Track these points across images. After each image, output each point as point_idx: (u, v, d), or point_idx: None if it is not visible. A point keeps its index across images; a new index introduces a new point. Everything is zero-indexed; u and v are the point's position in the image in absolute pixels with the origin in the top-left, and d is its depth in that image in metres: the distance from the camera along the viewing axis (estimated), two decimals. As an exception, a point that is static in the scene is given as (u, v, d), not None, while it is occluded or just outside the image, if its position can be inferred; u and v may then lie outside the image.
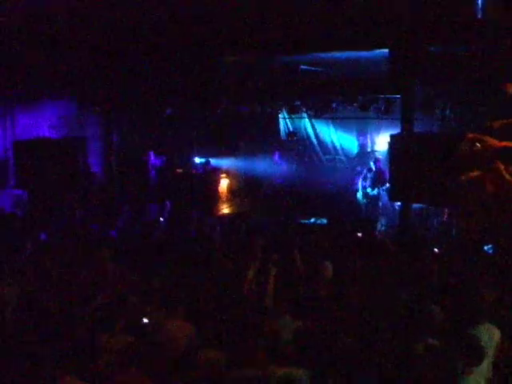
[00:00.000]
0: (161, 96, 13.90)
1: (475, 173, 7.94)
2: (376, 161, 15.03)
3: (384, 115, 13.23)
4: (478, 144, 7.24)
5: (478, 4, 8.48)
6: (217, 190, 17.48)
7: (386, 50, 10.71)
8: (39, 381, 4.61)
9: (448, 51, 9.90)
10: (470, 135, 7.85)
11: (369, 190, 14.87)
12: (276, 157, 17.06)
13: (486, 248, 9.08)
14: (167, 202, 11.22)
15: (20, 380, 4.67)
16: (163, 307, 6.30)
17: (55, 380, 4.59)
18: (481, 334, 5.37)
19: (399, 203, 12.83)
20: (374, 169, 14.90)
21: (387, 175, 13.03)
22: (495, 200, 8.25)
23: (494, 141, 7.46)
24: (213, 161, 17.48)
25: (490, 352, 5.32)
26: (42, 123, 14.63)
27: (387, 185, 13.42)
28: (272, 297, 6.41)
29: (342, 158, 17.62)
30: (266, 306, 6.25)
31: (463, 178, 8.12)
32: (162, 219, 11.11)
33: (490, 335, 5.49)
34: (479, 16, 8.55)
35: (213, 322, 5.92)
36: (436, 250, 9.22)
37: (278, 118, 17.33)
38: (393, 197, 12.35)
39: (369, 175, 14.95)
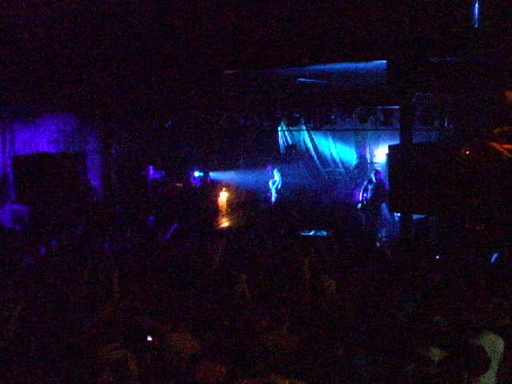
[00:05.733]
0: (160, 109, 13.93)
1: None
2: (376, 172, 15.04)
3: (383, 126, 13.25)
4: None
5: (474, 14, 8.52)
6: (216, 203, 17.50)
7: (385, 62, 10.74)
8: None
9: (446, 61, 9.93)
10: (476, 139, 7.88)
11: (369, 201, 14.86)
12: (269, 169, 17.06)
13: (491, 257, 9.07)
14: (175, 224, 11.16)
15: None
16: (166, 321, 6.27)
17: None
18: (484, 343, 5.34)
19: (399, 214, 12.81)
20: (374, 180, 14.90)
21: (387, 187, 13.02)
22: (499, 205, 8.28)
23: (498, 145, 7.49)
24: (212, 174, 17.50)
25: (494, 361, 5.29)
26: (41, 138, 14.65)
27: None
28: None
29: (342, 170, 17.64)
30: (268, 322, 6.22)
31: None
32: (166, 237, 11.05)
33: (493, 345, 5.46)
34: (476, 26, 8.59)
35: (214, 335, 5.89)
36: (438, 257, 9.22)
37: (277, 132, 17.36)
38: (393, 208, 12.33)
39: (369, 187, 14.96)
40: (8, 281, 8.45)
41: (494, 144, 7.44)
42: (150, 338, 6.24)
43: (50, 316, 6.84)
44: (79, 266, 9.08)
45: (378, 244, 12.85)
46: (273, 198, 16.87)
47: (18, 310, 6.54)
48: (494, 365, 5.31)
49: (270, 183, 16.94)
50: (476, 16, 8.85)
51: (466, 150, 8.18)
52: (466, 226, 10.98)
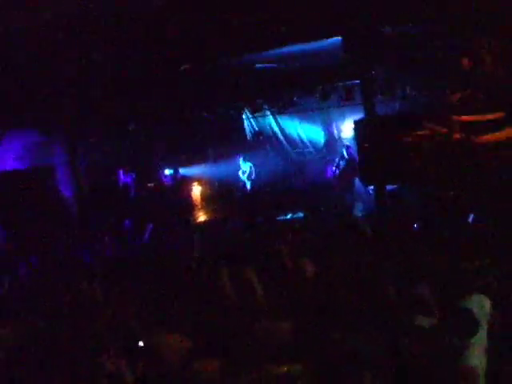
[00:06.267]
0: (122, 112, 13.82)
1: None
2: (347, 147, 15.13)
3: (346, 102, 13.31)
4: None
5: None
6: (191, 198, 17.46)
7: (340, 38, 10.76)
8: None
9: (400, 31, 9.98)
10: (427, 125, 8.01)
11: (343, 177, 14.95)
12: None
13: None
14: (150, 225, 11.11)
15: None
16: (154, 323, 6.26)
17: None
18: (472, 305, 5.42)
19: (373, 187, 12.91)
20: (346, 156, 15.00)
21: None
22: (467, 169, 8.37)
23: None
24: (182, 170, 17.45)
25: (484, 321, 5.36)
26: (7, 155, 14.41)
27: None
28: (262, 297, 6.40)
29: (311, 149, 17.69)
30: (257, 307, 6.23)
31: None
32: (144, 239, 11.02)
33: (481, 305, 5.53)
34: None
35: (203, 332, 5.89)
36: (415, 225, 9.31)
37: (242, 120, 17.35)
38: (365, 181, 12.44)
39: (341, 163, 15.05)
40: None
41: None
42: (141, 343, 6.23)
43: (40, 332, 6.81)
44: (61, 278, 9.05)
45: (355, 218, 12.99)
46: (248, 187, 16.88)
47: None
48: (484, 325, 5.40)
49: (240, 173, 16.94)
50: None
51: (427, 129, 8.30)
52: (437, 193, 11.12)
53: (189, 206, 17.17)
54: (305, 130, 17.67)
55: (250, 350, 4.97)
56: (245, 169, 16.85)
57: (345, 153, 15.11)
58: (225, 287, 6.73)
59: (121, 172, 16.02)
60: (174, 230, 11.58)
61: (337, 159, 15.33)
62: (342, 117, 16.44)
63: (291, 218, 14.18)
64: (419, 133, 9.82)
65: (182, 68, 11.63)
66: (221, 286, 6.86)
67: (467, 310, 5.06)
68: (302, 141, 17.76)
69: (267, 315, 5.89)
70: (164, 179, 17.49)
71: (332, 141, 17.10)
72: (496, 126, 8.64)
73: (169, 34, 9.97)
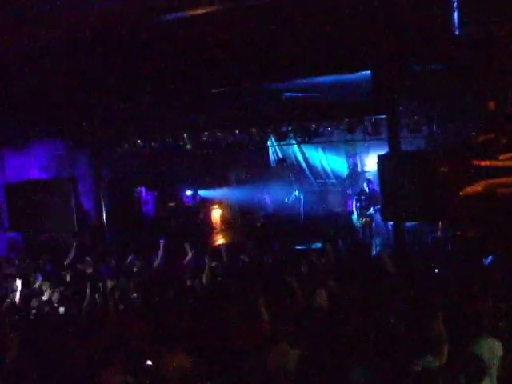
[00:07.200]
0: (149, 129, 13.98)
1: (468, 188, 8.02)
2: (369, 182, 15.09)
3: (371, 136, 13.31)
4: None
5: (454, 21, 8.58)
6: (210, 221, 17.49)
7: (369, 72, 10.81)
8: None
9: (428, 69, 9.99)
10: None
11: (363, 211, 14.89)
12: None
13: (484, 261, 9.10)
14: (162, 240, 11.08)
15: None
16: (163, 343, 6.28)
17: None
18: (482, 348, 5.36)
19: (392, 222, 12.84)
20: (367, 190, 14.95)
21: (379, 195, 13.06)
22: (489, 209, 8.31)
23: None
24: (204, 192, 17.52)
25: (494, 365, 5.30)
26: (32, 164, 14.62)
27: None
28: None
29: (334, 180, 17.67)
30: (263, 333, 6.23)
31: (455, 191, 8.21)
32: (158, 256, 10.98)
33: (492, 349, 5.47)
34: (456, 32, 8.65)
35: (212, 355, 5.89)
36: (436, 270, 9.22)
37: (266, 146, 17.42)
38: (385, 217, 12.37)
39: (362, 197, 14.99)
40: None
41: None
42: (149, 362, 6.25)
43: (49, 342, 6.85)
44: (76, 291, 9.12)
45: (373, 253, 12.93)
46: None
47: (18, 337, 6.55)
48: (494, 369, 5.34)
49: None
50: (456, 23, 8.92)
51: (444, 167, 8.30)
52: (458, 232, 11.04)
53: (208, 228, 17.20)
54: (328, 161, 17.68)
55: (256, 375, 4.96)
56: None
57: (366, 187, 15.07)
58: (232, 312, 6.75)
59: (143, 189, 16.14)
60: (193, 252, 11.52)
61: (357, 192, 15.28)
62: (367, 150, 16.44)
63: (308, 248, 14.12)
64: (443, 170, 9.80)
65: (211, 91, 11.75)
66: (228, 311, 6.88)
67: (477, 357, 5.02)
68: (325, 171, 17.76)
69: (273, 341, 5.88)
70: (185, 200, 17.58)
71: (355, 173, 17.07)
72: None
73: (202, 57, 10.10)
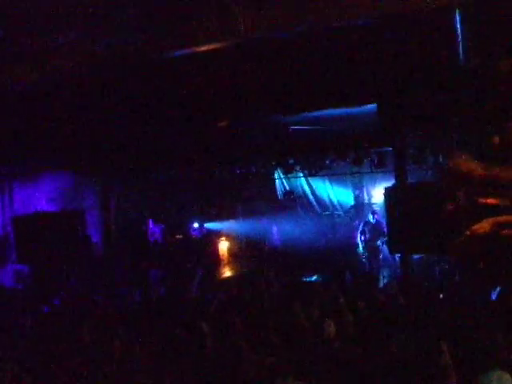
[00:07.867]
0: (156, 163, 14.06)
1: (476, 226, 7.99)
2: (374, 213, 15.10)
3: (378, 168, 13.35)
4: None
5: (459, 52, 8.64)
6: (217, 253, 17.49)
7: (374, 105, 10.90)
8: None
9: (434, 99, 10.04)
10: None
11: (368, 243, 14.87)
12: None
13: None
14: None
15: None
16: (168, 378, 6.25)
17: None
18: (492, 380, 5.31)
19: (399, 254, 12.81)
20: (372, 222, 14.95)
21: (385, 227, 13.05)
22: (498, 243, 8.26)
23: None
24: (210, 224, 17.55)
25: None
26: (39, 196, 14.71)
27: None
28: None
29: (340, 212, 17.71)
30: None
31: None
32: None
33: (501, 381, 5.42)
34: (461, 63, 8.70)
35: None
36: (441, 295, 9.18)
37: (273, 178, 17.50)
38: (392, 249, 12.34)
39: (366, 228, 14.98)
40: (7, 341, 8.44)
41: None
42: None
43: (52, 374, 6.81)
44: (82, 324, 9.09)
45: (381, 285, 12.88)
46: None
47: (13, 371, 6.50)
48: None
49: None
50: (461, 54, 8.99)
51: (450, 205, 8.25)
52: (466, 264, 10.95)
53: (215, 261, 17.18)
54: (335, 193, 17.75)
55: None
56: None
57: (371, 218, 15.06)
58: (236, 345, 6.71)
59: (150, 221, 16.19)
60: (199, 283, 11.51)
61: (362, 224, 15.28)
62: (373, 182, 16.50)
63: (316, 281, 14.09)
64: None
65: (218, 125, 11.85)
66: (233, 343, 6.85)
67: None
68: (331, 203, 17.82)
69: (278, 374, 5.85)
70: (193, 232, 17.61)
71: (361, 204, 17.11)
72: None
73: (209, 91, 10.20)
